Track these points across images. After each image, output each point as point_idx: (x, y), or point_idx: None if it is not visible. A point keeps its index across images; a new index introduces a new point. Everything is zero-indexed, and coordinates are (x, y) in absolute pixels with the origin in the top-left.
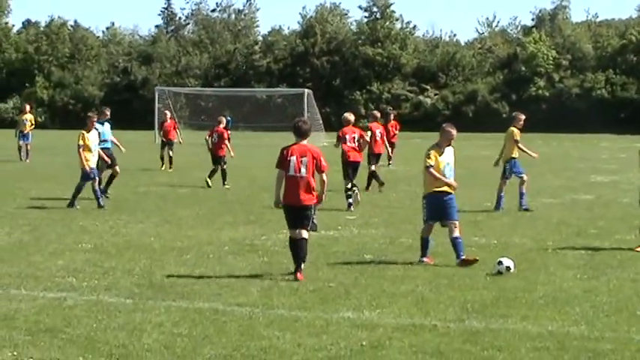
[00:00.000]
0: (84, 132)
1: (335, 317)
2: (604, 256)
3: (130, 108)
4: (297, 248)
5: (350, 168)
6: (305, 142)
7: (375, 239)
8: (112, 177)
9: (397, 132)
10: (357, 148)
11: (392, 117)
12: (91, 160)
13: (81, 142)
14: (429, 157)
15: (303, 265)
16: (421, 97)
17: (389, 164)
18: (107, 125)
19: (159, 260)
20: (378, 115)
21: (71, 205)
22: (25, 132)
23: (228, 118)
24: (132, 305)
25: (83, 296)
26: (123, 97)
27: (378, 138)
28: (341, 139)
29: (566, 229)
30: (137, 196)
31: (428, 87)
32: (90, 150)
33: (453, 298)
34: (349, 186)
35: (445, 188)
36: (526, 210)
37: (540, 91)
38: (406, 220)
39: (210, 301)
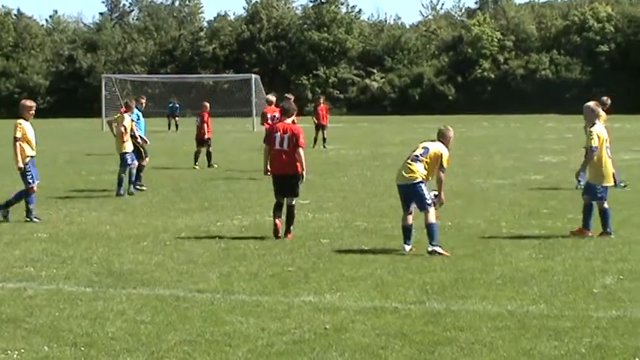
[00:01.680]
0: (126, 115)
1: (296, 301)
2: (558, 235)
3: (76, 96)
4: (288, 214)
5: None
6: (289, 120)
7: (330, 223)
8: (141, 168)
9: (327, 115)
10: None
11: (321, 101)
12: (127, 145)
13: (126, 124)
14: None
15: (292, 227)
16: (367, 81)
17: (323, 146)
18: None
19: (116, 248)
20: (273, 99)
21: (119, 194)
22: None
23: (177, 105)
24: (92, 294)
25: (43, 286)
26: (69, 85)
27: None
28: (264, 117)
29: (518, 209)
30: (89, 185)
31: (374, 70)
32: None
33: (411, 280)
34: None
35: None
36: (624, 187)
37: (486, 73)
38: (360, 204)
39: (170, 287)
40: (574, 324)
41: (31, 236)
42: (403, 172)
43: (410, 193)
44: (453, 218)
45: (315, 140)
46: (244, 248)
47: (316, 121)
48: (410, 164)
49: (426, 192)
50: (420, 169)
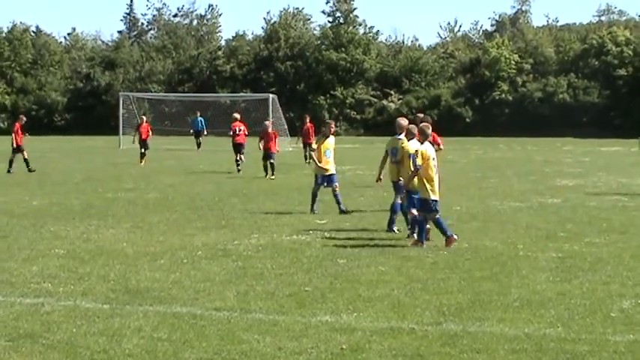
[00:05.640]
0: (320, 136)
1: (313, 321)
2: (575, 259)
3: (94, 114)
4: None
5: (238, 147)
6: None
7: (347, 243)
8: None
9: (313, 134)
10: (242, 135)
11: (308, 120)
12: (328, 165)
13: (314, 146)
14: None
15: None
16: (384, 102)
17: (307, 162)
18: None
19: (133, 265)
20: (238, 116)
21: (312, 211)
22: None
23: (199, 119)
24: (109, 310)
25: (60, 302)
26: (86, 102)
27: (239, 132)
28: (234, 131)
29: (535, 232)
30: (106, 202)
31: (391, 92)
32: (325, 155)
33: (428, 301)
34: (237, 158)
35: None
36: None
37: (504, 95)
38: (377, 224)
39: (187, 305)
40: (591, 348)
41: (49, 252)
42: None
43: None
44: (470, 240)
45: (306, 157)
46: (261, 267)
47: (305, 140)
48: None
49: None
50: None
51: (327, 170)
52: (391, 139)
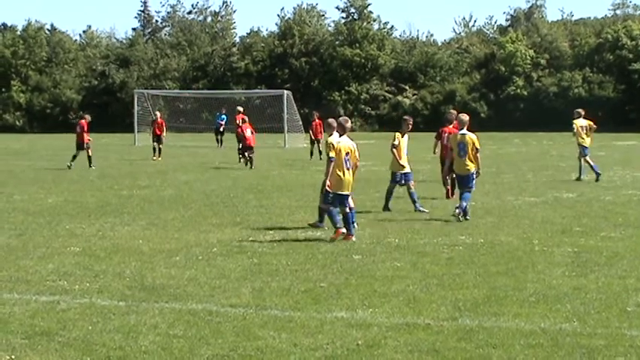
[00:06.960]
0: (398, 133)
1: (329, 317)
2: (590, 253)
3: (109, 111)
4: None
5: (245, 146)
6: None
7: (361, 239)
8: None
9: (322, 130)
10: (250, 133)
11: (316, 117)
12: (395, 164)
13: (395, 142)
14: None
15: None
16: (399, 98)
17: (320, 158)
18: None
19: (148, 262)
20: (241, 109)
21: (385, 208)
22: None
23: (223, 115)
24: (125, 308)
25: (76, 299)
26: (101, 100)
27: (248, 135)
28: (240, 128)
29: (551, 227)
30: (121, 200)
31: (406, 87)
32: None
33: (444, 297)
34: (239, 148)
35: None
36: None
37: (519, 90)
38: (391, 220)
39: (203, 302)
40: (607, 342)
41: (64, 250)
42: None
43: None
44: (485, 235)
45: (311, 153)
46: (276, 264)
47: (313, 137)
48: None
49: None
50: None
51: (404, 167)
52: (455, 135)
